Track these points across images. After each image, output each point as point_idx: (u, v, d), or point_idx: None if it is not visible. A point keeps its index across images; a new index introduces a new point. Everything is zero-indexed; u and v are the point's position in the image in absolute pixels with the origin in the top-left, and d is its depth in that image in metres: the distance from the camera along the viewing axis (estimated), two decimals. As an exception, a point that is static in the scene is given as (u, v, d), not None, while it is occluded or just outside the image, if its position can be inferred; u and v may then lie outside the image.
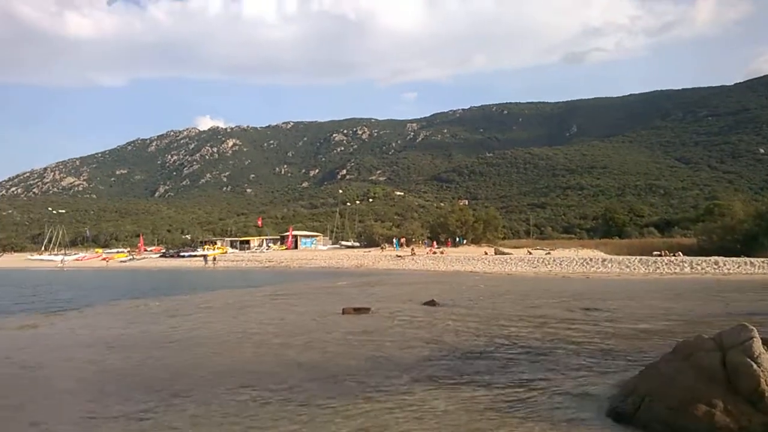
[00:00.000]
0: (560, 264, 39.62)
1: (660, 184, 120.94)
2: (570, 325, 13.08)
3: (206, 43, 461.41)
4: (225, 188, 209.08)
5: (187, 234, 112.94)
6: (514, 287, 24.96)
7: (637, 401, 6.00)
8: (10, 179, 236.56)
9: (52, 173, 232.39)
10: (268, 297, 21.91)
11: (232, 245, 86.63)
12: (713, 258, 37.05)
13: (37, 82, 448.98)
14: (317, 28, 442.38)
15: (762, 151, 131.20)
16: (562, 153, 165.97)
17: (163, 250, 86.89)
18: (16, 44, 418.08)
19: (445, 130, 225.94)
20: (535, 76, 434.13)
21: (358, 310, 15.71)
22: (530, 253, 52.55)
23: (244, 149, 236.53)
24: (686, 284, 25.81)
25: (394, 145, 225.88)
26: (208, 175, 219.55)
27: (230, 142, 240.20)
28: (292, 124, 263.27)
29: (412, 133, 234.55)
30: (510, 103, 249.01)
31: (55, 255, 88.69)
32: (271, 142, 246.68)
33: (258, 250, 78.91)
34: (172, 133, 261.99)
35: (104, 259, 78.36)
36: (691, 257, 39.20)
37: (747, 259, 35.66)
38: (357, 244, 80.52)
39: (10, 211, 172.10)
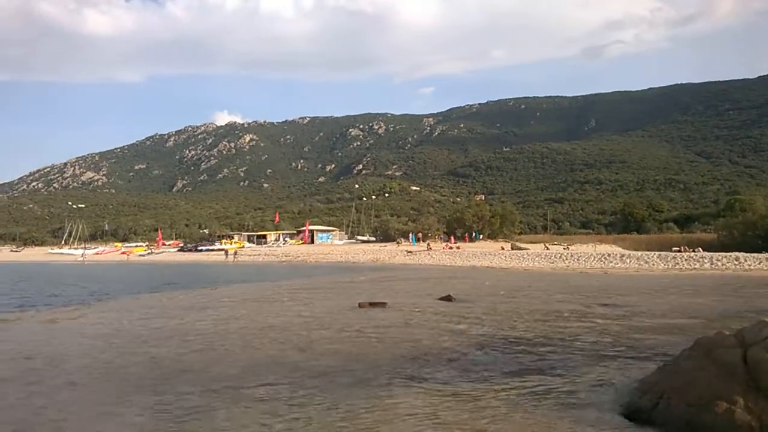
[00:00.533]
0: (578, 259, 39.33)
1: (680, 179, 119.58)
2: (587, 320, 12.97)
3: (224, 39, 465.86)
4: (242, 183, 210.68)
5: (205, 228, 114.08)
6: (530, 282, 24.81)
7: (655, 398, 5.93)
8: (31, 174, 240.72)
9: (72, 168, 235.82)
10: (286, 291, 22.01)
11: (249, 240, 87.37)
12: (734, 254, 36.50)
13: (56, 79, 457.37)
14: (334, 23, 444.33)
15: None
16: (580, 147, 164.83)
17: (181, 245, 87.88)
18: (36, 41, 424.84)
19: (462, 125, 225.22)
20: (553, 69, 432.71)
21: (374, 305, 15.76)
22: (547, 249, 52.27)
23: (261, 144, 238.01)
24: (706, 280, 25.48)
25: (410, 139, 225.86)
26: (226, 170, 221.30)
27: (247, 137, 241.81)
28: (308, 119, 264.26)
29: (429, 128, 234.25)
30: (527, 97, 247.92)
31: (75, 249, 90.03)
32: (288, 137, 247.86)
33: (275, 245, 79.47)
34: (189, 128, 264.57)
35: (123, 252, 79.43)
36: (711, 253, 38.64)
37: (769, 255, 35.12)
38: (373, 238, 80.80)
39: (31, 206, 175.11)
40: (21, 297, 21.51)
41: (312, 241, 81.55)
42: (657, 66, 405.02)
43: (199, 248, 76.95)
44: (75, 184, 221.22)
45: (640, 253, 42.14)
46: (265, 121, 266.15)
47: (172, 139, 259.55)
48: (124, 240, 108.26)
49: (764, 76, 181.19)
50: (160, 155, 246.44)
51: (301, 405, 6.53)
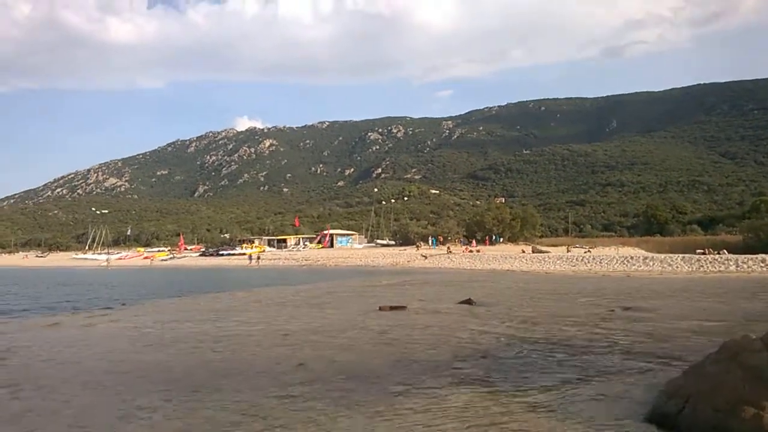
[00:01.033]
0: (600, 262, 38.93)
1: (703, 180, 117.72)
2: (610, 324, 12.84)
3: (243, 45, 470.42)
4: (262, 188, 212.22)
5: (226, 233, 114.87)
6: (551, 286, 24.63)
7: (681, 403, 5.85)
8: (55, 180, 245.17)
9: (96, 174, 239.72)
10: (307, 295, 22.16)
11: (270, 244, 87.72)
12: (760, 256, 35.74)
13: (78, 86, 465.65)
14: (352, 27, 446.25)
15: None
16: (601, 149, 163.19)
17: (203, 249, 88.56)
18: (59, 49, 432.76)
19: (481, 128, 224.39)
20: (573, 70, 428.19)
21: (394, 308, 15.82)
22: (569, 252, 51.80)
23: (281, 149, 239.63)
24: (731, 283, 25.07)
25: (429, 143, 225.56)
26: (246, 175, 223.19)
27: (267, 143, 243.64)
28: (327, 123, 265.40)
29: (448, 131, 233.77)
30: (548, 98, 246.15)
31: (99, 254, 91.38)
32: (307, 141, 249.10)
33: (295, 249, 79.76)
34: (210, 134, 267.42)
35: (146, 257, 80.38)
36: (737, 255, 37.95)
37: (797, 257, 34.39)
38: (392, 242, 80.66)
39: (55, 212, 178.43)
40: (65, 301, 22.05)
41: (332, 245, 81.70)
42: (680, 66, 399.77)
43: (221, 252, 77.53)
44: (98, 190, 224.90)
45: (663, 255, 41.53)
46: (284, 126, 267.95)
47: (194, 144, 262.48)
48: (146, 245, 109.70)
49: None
50: (181, 161, 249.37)
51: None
